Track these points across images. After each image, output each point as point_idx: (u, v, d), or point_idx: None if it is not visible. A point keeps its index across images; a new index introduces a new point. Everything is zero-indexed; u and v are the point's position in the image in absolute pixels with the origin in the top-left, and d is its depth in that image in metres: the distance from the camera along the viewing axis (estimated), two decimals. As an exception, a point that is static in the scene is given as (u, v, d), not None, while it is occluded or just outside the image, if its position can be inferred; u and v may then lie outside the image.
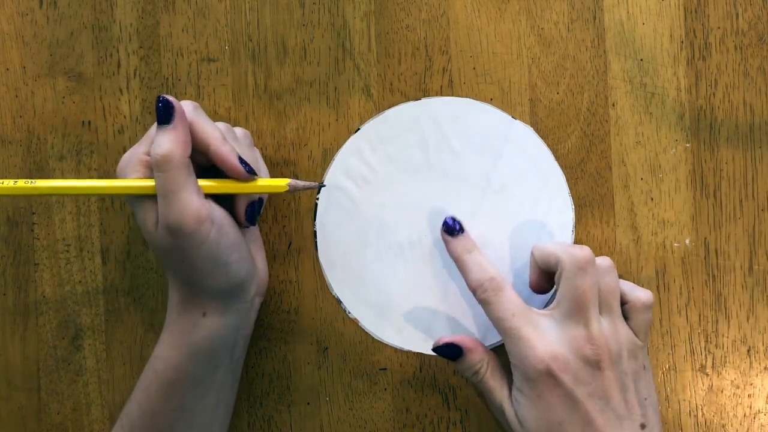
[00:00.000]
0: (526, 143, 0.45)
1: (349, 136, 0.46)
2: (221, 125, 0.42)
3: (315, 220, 0.46)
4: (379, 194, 0.46)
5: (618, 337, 0.40)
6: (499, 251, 0.45)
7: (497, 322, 0.40)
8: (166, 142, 0.38)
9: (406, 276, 0.45)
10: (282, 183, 0.42)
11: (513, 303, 0.40)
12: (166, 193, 0.38)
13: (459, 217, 0.45)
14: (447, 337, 0.43)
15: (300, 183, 0.42)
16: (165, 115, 0.38)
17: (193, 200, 0.38)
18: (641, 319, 0.41)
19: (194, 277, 0.40)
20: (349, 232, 0.46)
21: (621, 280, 0.42)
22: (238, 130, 0.44)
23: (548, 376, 0.39)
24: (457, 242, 0.43)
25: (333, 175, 0.46)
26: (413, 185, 0.46)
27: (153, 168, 0.38)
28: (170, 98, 0.38)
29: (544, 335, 0.39)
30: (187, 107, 0.40)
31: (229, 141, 0.41)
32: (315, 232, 0.46)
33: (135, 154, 0.40)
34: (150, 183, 0.39)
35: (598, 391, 0.39)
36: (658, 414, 0.41)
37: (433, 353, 0.44)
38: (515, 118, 0.45)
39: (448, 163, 0.45)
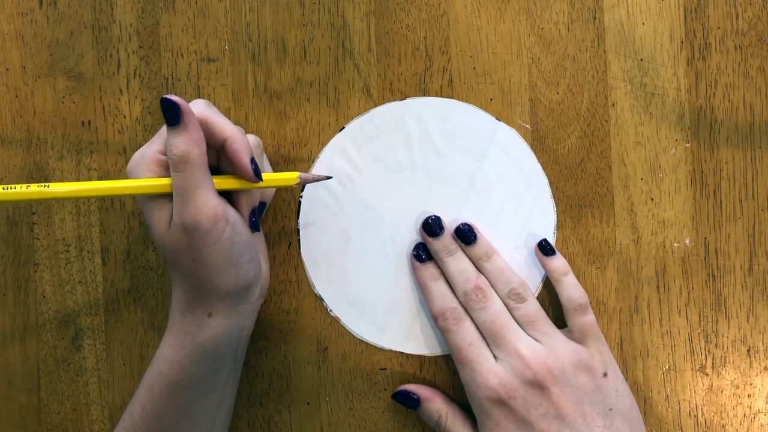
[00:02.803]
0: (511, 145, 0.46)
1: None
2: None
3: (298, 218, 0.46)
4: (363, 193, 0.46)
5: (557, 353, 0.41)
6: None
7: (454, 351, 0.43)
8: (181, 142, 0.38)
9: (389, 275, 0.46)
10: (292, 176, 0.42)
11: (470, 334, 0.42)
12: (183, 192, 0.38)
13: (442, 217, 0.45)
14: (407, 386, 0.45)
15: (309, 176, 0.42)
16: (172, 115, 0.38)
17: (210, 198, 0.38)
18: (580, 323, 0.43)
19: (204, 277, 0.40)
20: (332, 231, 0.46)
21: (564, 279, 0.44)
22: (251, 138, 0.44)
23: (501, 405, 0.40)
24: (425, 269, 0.45)
25: (317, 172, 0.46)
26: (397, 184, 0.46)
27: (171, 167, 0.38)
28: (174, 98, 0.38)
29: (494, 366, 0.41)
30: (200, 105, 0.40)
31: (214, 111, 0.41)
32: (298, 230, 0.46)
33: (148, 152, 0.40)
34: (166, 182, 0.38)
35: (551, 411, 0.40)
36: (631, 421, 0.41)
37: (415, 353, 0.45)
38: (499, 120, 0.46)
39: (432, 163, 0.46)
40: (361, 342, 0.46)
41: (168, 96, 0.38)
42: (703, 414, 0.45)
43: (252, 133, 0.47)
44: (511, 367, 0.41)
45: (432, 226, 0.44)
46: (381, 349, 0.46)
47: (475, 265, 0.44)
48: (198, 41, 0.47)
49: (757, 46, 0.46)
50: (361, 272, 0.46)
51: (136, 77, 0.47)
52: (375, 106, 0.46)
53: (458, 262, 0.44)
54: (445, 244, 0.44)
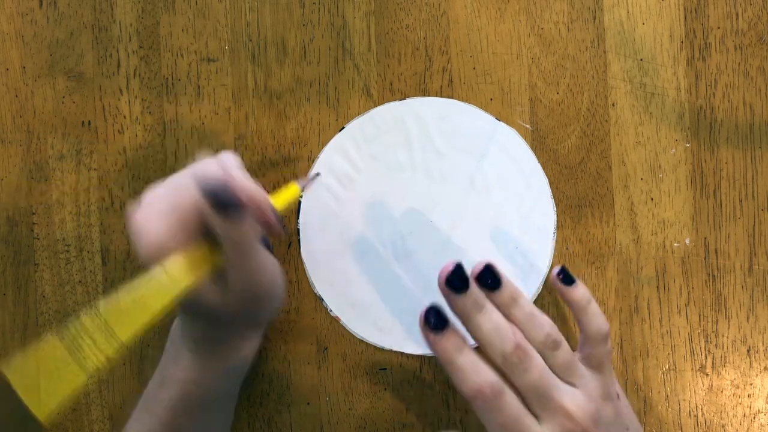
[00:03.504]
0: (510, 145, 0.46)
1: (349, 136, 0.46)
2: (228, 156, 0.39)
3: (298, 218, 0.46)
4: (363, 193, 0.46)
5: (592, 394, 0.38)
6: (481, 252, 0.45)
7: (498, 429, 0.36)
8: (238, 230, 0.35)
9: (389, 275, 0.46)
10: (294, 189, 0.42)
11: (514, 406, 0.36)
12: (241, 266, 0.36)
13: (442, 217, 0.45)
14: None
15: (304, 181, 0.43)
16: (233, 210, 0.34)
17: (268, 263, 0.38)
18: (601, 352, 0.40)
19: (247, 319, 0.40)
20: (332, 231, 0.46)
21: (589, 307, 0.39)
22: (228, 155, 0.39)
23: None
24: (446, 340, 0.36)
25: (317, 172, 0.46)
26: (397, 184, 0.46)
27: (226, 246, 0.35)
28: (235, 192, 0.34)
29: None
30: (231, 161, 0.37)
31: (241, 175, 0.37)
32: (298, 230, 0.46)
33: (179, 205, 0.35)
34: (209, 262, 0.36)
35: None
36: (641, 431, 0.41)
37: (415, 353, 0.44)
38: (499, 120, 0.46)
39: (432, 163, 0.46)
40: (361, 342, 0.46)
41: (225, 191, 0.34)
42: (703, 414, 0.45)
43: (252, 133, 0.47)
44: (558, 427, 0.36)
45: (457, 281, 0.36)
46: (381, 349, 0.46)
47: (503, 314, 0.37)
48: (198, 41, 0.47)
49: (757, 46, 0.46)
50: (361, 272, 0.46)
51: (136, 77, 0.47)
52: (375, 106, 0.46)
53: (492, 318, 0.36)
54: (474, 298, 0.36)
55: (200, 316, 0.38)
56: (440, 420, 0.46)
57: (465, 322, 0.37)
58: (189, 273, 0.35)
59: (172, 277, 0.34)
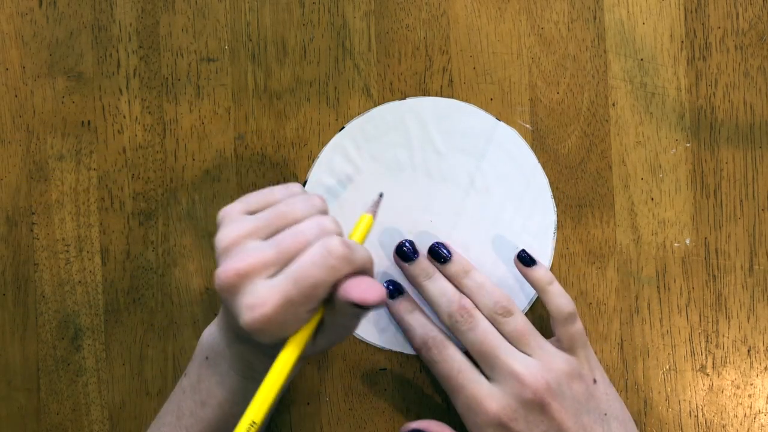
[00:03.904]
0: (510, 145, 0.46)
1: (349, 136, 0.46)
2: (293, 186, 0.38)
3: None
4: (362, 193, 0.46)
5: (551, 366, 0.40)
6: (481, 252, 0.45)
7: (445, 380, 0.41)
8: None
9: (388, 275, 0.45)
10: (368, 219, 0.39)
11: (457, 360, 0.41)
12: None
13: (442, 217, 0.45)
14: (414, 423, 0.42)
15: (372, 209, 0.40)
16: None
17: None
18: (569, 332, 0.41)
19: None
20: None
21: (550, 288, 0.42)
22: (293, 187, 0.38)
23: (502, 429, 0.39)
24: (399, 304, 0.43)
25: (317, 172, 0.46)
26: (397, 184, 0.46)
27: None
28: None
29: (491, 390, 0.40)
30: (331, 223, 0.35)
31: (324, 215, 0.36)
32: None
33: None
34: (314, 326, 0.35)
35: (552, 427, 0.39)
36: (625, 423, 0.41)
37: (415, 353, 0.44)
38: (499, 120, 0.46)
39: (432, 163, 0.46)
40: (361, 342, 0.46)
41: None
42: (703, 414, 0.45)
43: (252, 133, 0.47)
44: (508, 388, 0.39)
45: (406, 252, 0.43)
46: (381, 349, 0.46)
47: (454, 284, 0.42)
48: (198, 41, 0.47)
49: (757, 45, 0.46)
50: None
51: (136, 77, 0.47)
52: (375, 106, 0.46)
53: (438, 284, 0.42)
54: (422, 267, 0.43)
55: (268, 352, 0.36)
56: (440, 420, 0.46)
57: (416, 288, 0.43)
58: (302, 345, 0.35)
59: (291, 357, 0.34)
